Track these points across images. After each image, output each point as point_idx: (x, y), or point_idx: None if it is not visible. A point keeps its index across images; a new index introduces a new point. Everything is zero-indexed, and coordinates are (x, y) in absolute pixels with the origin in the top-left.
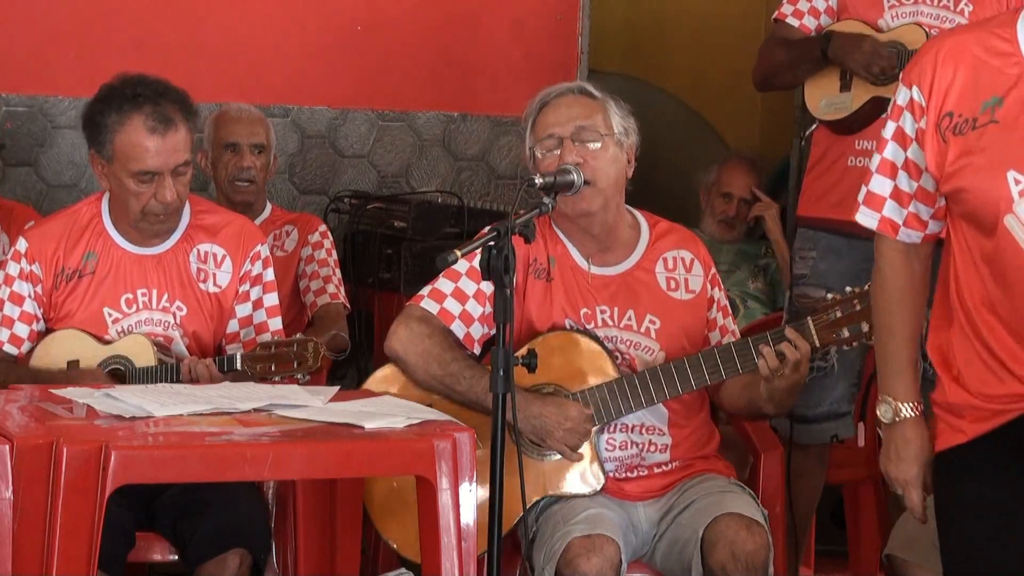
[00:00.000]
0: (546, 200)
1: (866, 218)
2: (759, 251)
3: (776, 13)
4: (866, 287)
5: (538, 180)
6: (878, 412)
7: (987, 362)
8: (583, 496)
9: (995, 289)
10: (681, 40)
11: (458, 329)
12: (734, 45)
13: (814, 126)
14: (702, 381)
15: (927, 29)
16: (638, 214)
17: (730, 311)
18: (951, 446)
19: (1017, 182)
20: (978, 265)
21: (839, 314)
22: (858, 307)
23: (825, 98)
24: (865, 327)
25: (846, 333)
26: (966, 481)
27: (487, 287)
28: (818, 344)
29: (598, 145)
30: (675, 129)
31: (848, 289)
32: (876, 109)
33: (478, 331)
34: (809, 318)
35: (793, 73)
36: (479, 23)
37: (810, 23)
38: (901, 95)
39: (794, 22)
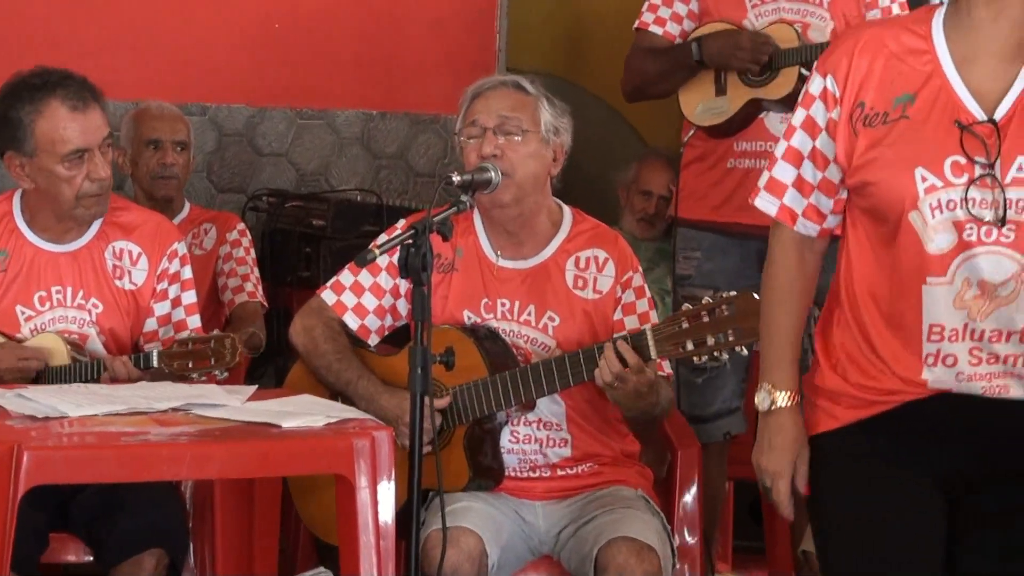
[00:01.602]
0: (464, 198)
1: (765, 203)
2: None
3: (637, 23)
4: (723, 295)
5: (456, 178)
6: (756, 400)
7: (868, 357)
8: (457, 490)
9: (886, 285)
10: (600, 38)
11: (351, 321)
12: None
13: (692, 131)
14: (553, 387)
15: (793, 24)
16: (567, 211)
17: (650, 316)
18: (822, 431)
19: (924, 179)
20: (874, 260)
21: (684, 325)
22: (705, 319)
23: (701, 103)
24: (711, 340)
25: (690, 346)
26: (835, 466)
27: (385, 280)
28: (654, 356)
29: (518, 139)
30: (594, 127)
31: (705, 299)
32: (754, 110)
33: (374, 323)
34: (648, 328)
35: (666, 83)
36: (398, 21)
37: (673, 30)
38: (814, 84)
39: (657, 30)
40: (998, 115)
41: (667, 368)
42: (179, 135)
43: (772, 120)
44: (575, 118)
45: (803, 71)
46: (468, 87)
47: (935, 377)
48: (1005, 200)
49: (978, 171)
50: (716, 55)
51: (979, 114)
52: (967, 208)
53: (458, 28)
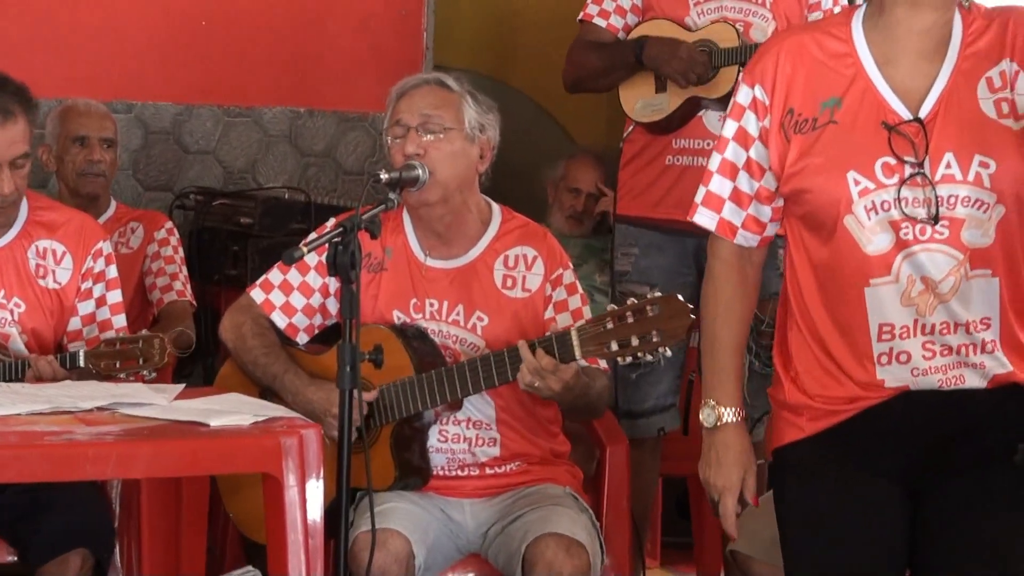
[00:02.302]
0: (391, 196)
1: (704, 219)
2: (605, 245)
3: (582, 14)
4: (648, 296)
5: (383, 176)
6: (700, 416)
7: (824, 364)
8: (384, 490)
9: (831, 290)
10: (527, 36)
11: (279, 319)
12: None
13: (631, 128)
14: (479, 386)
15: (734, 24)
16: (496, 209)
17: (583, 312)
18: (788, 442)
19: (857, 183)
20: (815, 266)
21: (609, 326)
22: (630, 320)
23: (641, 100)
24: (635, 341)
25: (615, 346)
26: (801, 477)
27: (313, 279)
28: (579, 357)
29: (441, 136)
30: (522, 125)
31: (630, 300)
32: (693, 108)
33: (302, 321)
34: (573, 329)
35: (606, 78)
36: (325, 19)
37: (617, 22)
38: (742, 94)
39: (601, 22)
40: (923, 113)
41: (602, 363)
42: (106, 132)
43: (711, 118)
44: (502, 115)
45: (742, 70)
46: (394, 86)
47: (891, 376)
48: (936, 197)
49: (908, 171)
50: (654, 59)
51: (904, 113)
52: (900, 208)
53: (385, 26)
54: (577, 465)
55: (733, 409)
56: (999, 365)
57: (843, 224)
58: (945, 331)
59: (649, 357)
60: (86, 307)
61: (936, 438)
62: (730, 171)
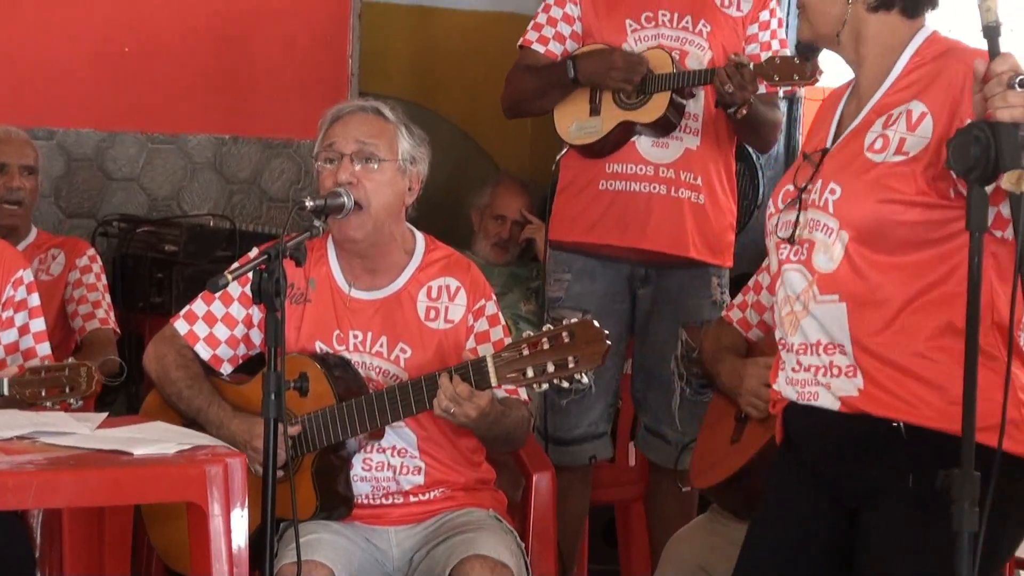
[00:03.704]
0: (316, 223)
1: None
2: (530, 273)
3: (521, 40)
4: (564, 323)
5: (308, 203)
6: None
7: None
8: (306, 520)
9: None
10: (452, 63)
11: (203, 350)
12: (506, 68)
13: (564, 151)
14: (397, 414)
15: (670, 51)
16: (420, 239)
17: (505, 343)
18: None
19: (769, 207)
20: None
21: (525, 352)
22: (546, 347)
23: (575, 122)
24: (551, 368)
25: (531, 373)
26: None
27: (237, 311)
28: (494, 384)
29: (375, 167)
30: (447, 151)
31: (546, 327)
32: (626, 133)
33: (226, 352)
34: (488, 356)
35: (542, 100)
36: (249, 45)
37: (556, 48)
38: None
39: (540, 48)
40: (832, 143)
41: (523, 394)
42: (26, 160)
43: (644, 143)
44: (429, 142)
45: (675, 96)
46: (328, 110)
47: (779, 380)
48: (798, 221)
49: (792, 196)
50: (591, 74)
51: (828, 143)
52: (776, 231)
53: (310, 52)
54: (503, 492)
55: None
56: (849, 389)
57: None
58: (802, 350)
59: (566, 384)
60: (8, 336)
61: (821, 455)
62: None
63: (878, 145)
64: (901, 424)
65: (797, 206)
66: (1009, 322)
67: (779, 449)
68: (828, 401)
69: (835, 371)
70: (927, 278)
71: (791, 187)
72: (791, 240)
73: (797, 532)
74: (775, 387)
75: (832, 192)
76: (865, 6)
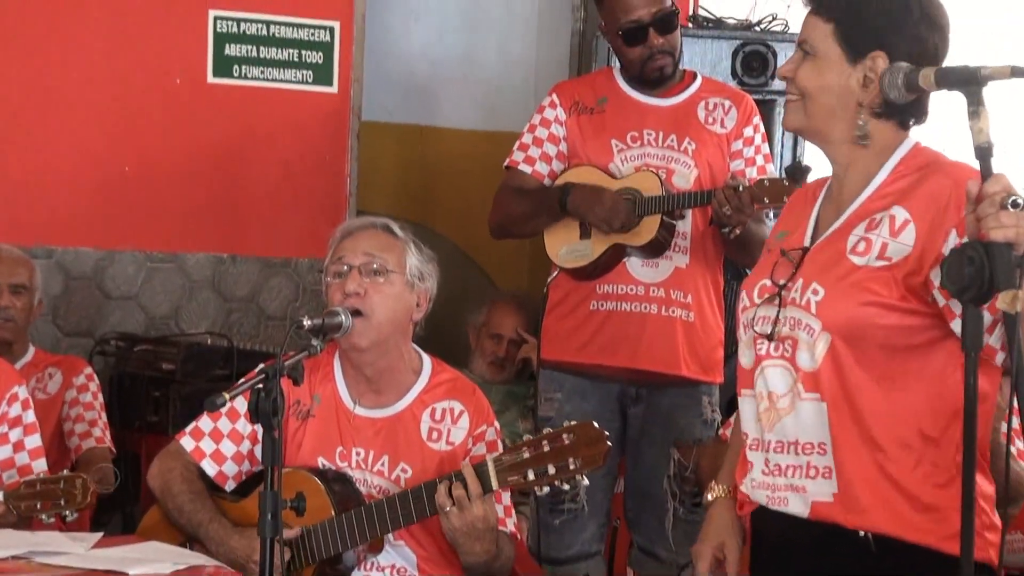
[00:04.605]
0: (315, 342)
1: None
2: (528, 392)
3: (508, 160)
4: (565, 425)
5: (306, 322)
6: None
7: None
8: None
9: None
10: (448, 181)
11: (209, 467)
12: None
13: (555, 273)
14: (397, 522)
15: (656, 171)
16: (427, 360)
17: None
18: None
19: (743, 300)
20: None
21: (526, 455)
22: (547, 448)
23: (566, 246)
24: (552, 469)
25: (532, 475)
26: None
27: (243, 427)
28: (496, 487)
29: (382, 279)
30: (444, 269)
31: (546, 429)
32: (617, 255)
33: (232, 469)
34: (489, 459)
35: (531, 224)
36: (248, 164)
37: (542, 169)
38: None
39: (526, 169)
40: (812, 242)
41: (510, 526)
42: (17, 278)
43: (634, 263)
44: None
45: (665, 218)
46: (338, 227)
47: (744, 481)
48: (778, 318)
49: (771, 292)
50: (578, 207)
51: (807, 241)
52: (754, 326)
53: (308, 171)
54: None
55: (724, 487)
56: (821, 493)
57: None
58: (779, 449)
59: (567, 486)
60: (3, 452)
61: (789, 561)
62: None
63: (860, 248)
64: (870, 535)
65: (777, 302)
66: (1007, 436)
67: (750, 554)
68: (798, 507)
69: (811, 472)
70: (903, 384)
71: (768, 282)
72: (770, 337)
73: None
74: (742, 489)
75: (815, 292)
76: (871, 111)
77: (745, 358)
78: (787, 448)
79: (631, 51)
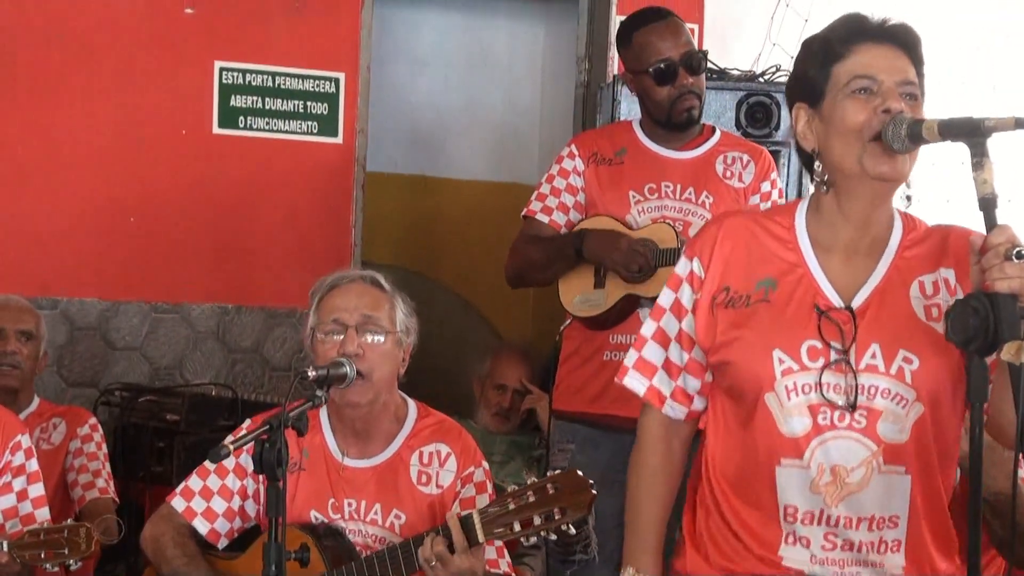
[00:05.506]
0: (319, 393)
1: (634, 382)
2: (532, 442)
3: (525, 210)
4: (548, 474)
5: (311, 373)
6: None
7: (726, 536)
8: None
9: (742, 465)
10: (453, 233)
11: (201, 526)
12: (506, 237)
13: (568, 321)
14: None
15: (673, 224)
16: (412, 405)
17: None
18: None
19: (781, 361)
20: (730, 440)
21: (511, 507)
22: (531, 499)
23: (580, 295)
24: (538, 520)
25: (518, 527)
26: None
27: (232, 482)
28: (482, 540)
29: (380, 339)
30: (449, 320)
31: (531, 480)
32: (630, 306)
33: (223, 526)
34: (475, 512)
35: (547, 271)
36: (253, 215)
37: (560, 219)
38: (681, 266)
39: (544, 218)
40: (856, 303)
41: (503, 566)
42: (24, 325)
43: (647, 314)
44: (430, 310)
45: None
46: (323, 278)
47: (790, 555)
48: (857, 386)
49: (833, 356)
50: (594, 252)
51: (837, 301)
52: (821, 392)
53: (313, 221)
54: None
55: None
56: (896, 567)
57: (763, 400)
58: (848, 525)
59: (553, 536)
60: (6, 501)
61: None
62: (662, 339)
63: (935, 314)
64: None
65: (846, 368)
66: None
67: None
68: None
69: (882, 547)
70: (954, 451)
71: (817, 344)
72: (853, 407)
73: None
74: (784, 563)
75: (908, 361)
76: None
77: (790, 425)
78: (858, 523)
79: (660, 91)
